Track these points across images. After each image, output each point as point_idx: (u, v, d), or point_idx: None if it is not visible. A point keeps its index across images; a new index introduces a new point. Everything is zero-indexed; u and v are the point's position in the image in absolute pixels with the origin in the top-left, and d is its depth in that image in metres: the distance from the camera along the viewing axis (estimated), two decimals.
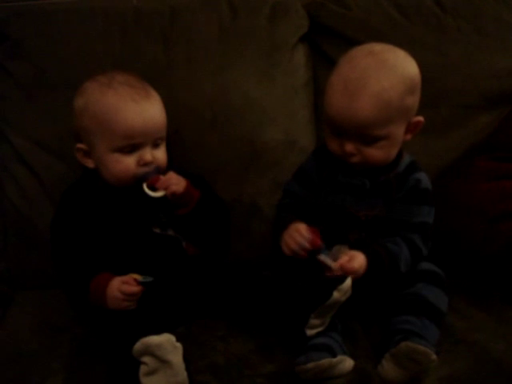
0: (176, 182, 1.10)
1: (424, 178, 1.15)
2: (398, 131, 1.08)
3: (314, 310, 1.01)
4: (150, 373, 0.92)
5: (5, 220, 1.30)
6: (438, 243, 1.24)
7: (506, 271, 1.19)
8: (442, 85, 1.37)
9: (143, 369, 0.92)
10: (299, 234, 1.05)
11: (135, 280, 1.02)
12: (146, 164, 1.10)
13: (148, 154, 1.10)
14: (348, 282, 1.00)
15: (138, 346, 0.92)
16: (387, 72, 1.05)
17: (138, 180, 1.10)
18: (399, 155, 1.14)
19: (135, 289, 1.01)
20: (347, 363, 1.02)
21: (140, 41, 1.32)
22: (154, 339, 0.92)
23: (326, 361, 0.99)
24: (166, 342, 0.92)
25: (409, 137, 1.12)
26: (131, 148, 1.09)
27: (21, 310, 1.22)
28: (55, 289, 1.23)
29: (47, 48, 1.30)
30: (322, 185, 1.17)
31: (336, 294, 0.99)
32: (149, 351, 0.92)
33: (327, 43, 1.43)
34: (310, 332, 1.03)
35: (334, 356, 1.00)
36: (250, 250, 1.32)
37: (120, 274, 1.04)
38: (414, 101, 1.08)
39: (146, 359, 0.92)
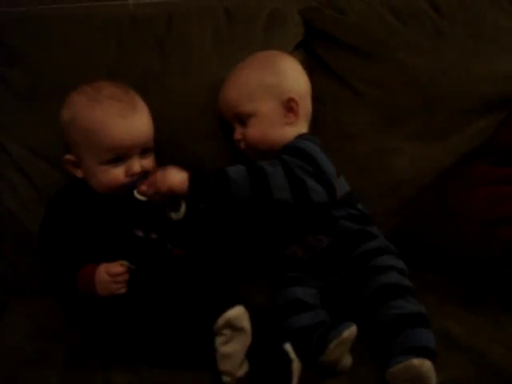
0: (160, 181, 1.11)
1: (298, 142, 1.17)
2: (267, 108, 1.18)
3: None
4: (227, 341, 0.98)
5: (0, 226, 1.30)
6: (435, 248, 1.24)
7: (503, 276, 1.18)
8: (439, 89, 1.37)
9: (219, 340, 0.98)
10: None
11: (121, 264, 1.05)
12: (133, 175, 1.13)
13: (136, 164, 1.13)
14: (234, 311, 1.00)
15: (221, 321, 0.97)
16: (250, 60, 1.23)
17: (129, 189, 1.13)
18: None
19: (120, 269, 1.03)
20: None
21: (136, 48, 1.33)
22: (232, 313, 0.98)
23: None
24: (241, 312, 0.99)
25: (292, 118, 1.19)
26: (118, 159, 1.12)
27: (16, 315, 1.22)
28: (51, 294, 1.21)
29: (44, 55, 1.31)
30: None
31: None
32: (228, 324, 0.97)
33: (322, 48, 1.43)
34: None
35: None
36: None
37: None
38: (277, 80, 1.19)
39: (225, 331, 0.98)
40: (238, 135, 1.20)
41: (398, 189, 1.36)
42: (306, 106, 1.24)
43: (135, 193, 1.12)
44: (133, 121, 1.12)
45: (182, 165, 1.27)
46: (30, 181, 1.29)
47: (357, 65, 1.40)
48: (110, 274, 1.02)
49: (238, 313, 0.98)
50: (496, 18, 1.39)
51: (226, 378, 0.98)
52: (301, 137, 1.19)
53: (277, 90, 1.19)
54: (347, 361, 1.01)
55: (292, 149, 1.14)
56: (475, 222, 1.21)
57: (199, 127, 1.31)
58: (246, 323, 0.98)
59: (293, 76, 1.23)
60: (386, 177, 1.37)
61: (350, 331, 0.99)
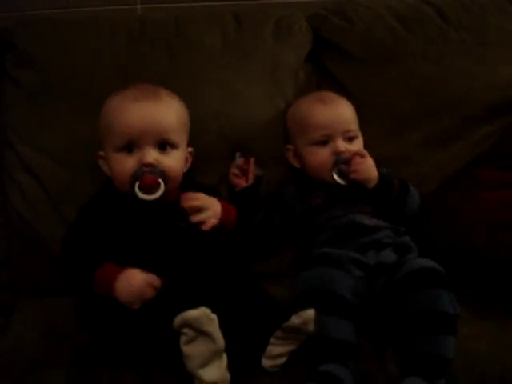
0: (212, 214, 1.09)
1: None
2: None
3: (272, 332, 1.01)
4: (190, 341, 0.95)
5: (9, 228, 1.29)
6: (440, 251, 1.24)
7: (509, 279, 1.18)
8: (445, 96, 1.38)
9: (183, 338, 0.95)
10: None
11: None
12: (145, 165, 1.07)
13: (149, 155, 1.07)
14: (310, 312, 0.99)
15: (178, 320, 0.95)
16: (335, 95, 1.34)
17: (132, 180, 1.07)
18: None
19: (158, 282, 1.00)
20: None
21: (145, 51, 1.33)
22: (190, 313, 0.94)
23: None
24: (202, 315, 0.94)
25: None
26: (131, 146, 1.08)
27: (24, 317, 1.21)
28: (58, 297, 1.23)
29: (54, 58, 1.31)
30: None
31: (294, 319, 0.99)
32: (187, 324, 0.94)
33: (329, 58, 1.44)
34: (266, 362, 1.02)
35: None
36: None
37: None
38: None
39: (185, 330, 0.95)
40: (341, 147, 1.26)
41: None
42: None
43: (136, 186, 1.06)
44: (147, 105, 1.09)
45: (192, 167, 1.28)
46: (39, 182, 1.28)
47: (363, 74, 1.41)
48: (149, 283, 0.99)
49: (198, 315, 0.94)
50: (502, 24, 1.41)
51: (195, 381, 0.96)
52: None
53: None
54: None
55: None
56: (482, 226, 1.20)
57: (208, 130, 1.31)
58: (209, 327, 0.95)
59: None
60: None
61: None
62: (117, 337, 1.04)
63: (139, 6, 1.49)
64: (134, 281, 0.99)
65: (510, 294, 1.17)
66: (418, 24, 1.41)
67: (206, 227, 1.08)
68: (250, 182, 1.28)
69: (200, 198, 1.10)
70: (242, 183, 1.28)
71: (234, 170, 1.29)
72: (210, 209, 1.10)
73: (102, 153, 1.15)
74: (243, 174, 1.29)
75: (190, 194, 1.10)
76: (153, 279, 0.99)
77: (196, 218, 1.08)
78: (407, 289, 1.05)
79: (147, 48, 1.34)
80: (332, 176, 1.25)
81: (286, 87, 1.39)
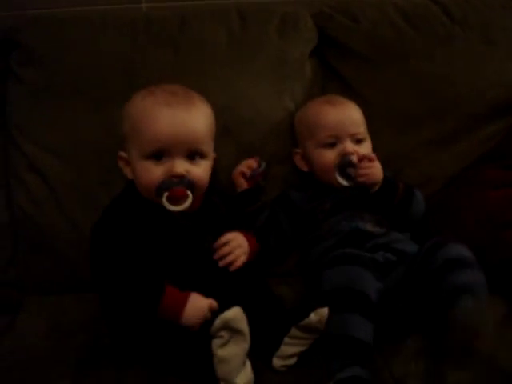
0: (238, 254, 1.07)
1: None
2: None
3: (287, 330, 1.01)
4: (224, 344, 0.94)
5: (15, 226, 1.30)
6: None
7: (510, 279, 1.17)
8: (449, 95, 1.38)
9: (217, 342, 0.94)
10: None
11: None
12: (175, 176, 1.03)
13: (180, 166, 1.03)
14: (325, 310, 1.00)
15: (217, 322, 0.94)
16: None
17: (159, 189, 1.03)
18: None
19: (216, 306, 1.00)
20: None
21: (150, 49, 1.33)
22: (229, 314, 0.94)
23: None
24: (237, 314, 0.94)
25: None
26: (160, 154, 1.03)
27: (30, 315, 1.22)
28: (64, 294, 1.25)
29: (58, 55, 1.31)
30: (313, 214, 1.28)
31: (313, 316, 0.99)
32: (226, 325, 0.93)
33: (334, 56, 1.44)
34: (277, 362, 1.02)
35: None
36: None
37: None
38: None
39: (221, 333, 0.94)
40: (350, 148, 1.26)
41: None
42: None
43: (164, 196, 1.03)
44: (180, 112, 1.04)
45: None
46: (45, 181, 1.28)
47: (368, 73, 1.41)
48: (212, 308, 0.98)
49: (234, 314, 0.94)
50: (508, 23, 1.40)
51: None
52: None
53: None
54: None
55: None
56: (485, 225, 1.21)
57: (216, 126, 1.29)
58: (243, 325, 0.95)
59: None
60: None
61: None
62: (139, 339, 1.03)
63: (144, 5, 1.49)
64: (201, 308, 0.98)
65: (511, 293, 1.17)
66: (423, 22, 1.41)
67: (234, 267, 1.06)
68: (252, 185, 1.28)
69: (229, 242, 1.07)
70: (243, 184, 1.27)
71: (244, 169, 1.27)
72: (239, 247, 1.08)
73: (123, 154, 1.10)
74: (251, 177, 1.27)
75: (219, 243, 1.07)
76: (213, 303, 0.99)
77: (224, 262, 1.06)
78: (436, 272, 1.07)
79: (152, 45, 1.34)
80: (335, 177, 1.25)
81: (292, 83, 1.39)
